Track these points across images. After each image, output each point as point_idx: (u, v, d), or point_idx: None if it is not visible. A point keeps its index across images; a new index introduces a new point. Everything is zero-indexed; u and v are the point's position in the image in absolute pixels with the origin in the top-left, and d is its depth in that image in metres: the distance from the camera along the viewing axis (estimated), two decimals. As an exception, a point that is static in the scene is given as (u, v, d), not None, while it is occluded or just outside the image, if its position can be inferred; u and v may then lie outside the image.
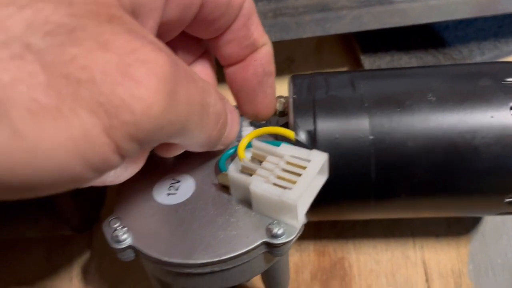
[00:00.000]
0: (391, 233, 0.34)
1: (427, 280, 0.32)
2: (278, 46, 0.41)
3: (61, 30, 0.15)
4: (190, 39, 0.25)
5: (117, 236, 0.24)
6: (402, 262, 0.33)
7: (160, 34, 0.22)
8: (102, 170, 0.16)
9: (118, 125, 0.15)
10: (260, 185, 0.23)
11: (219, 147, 0.25)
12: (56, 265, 0.34)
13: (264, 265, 0.25)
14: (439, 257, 0.33)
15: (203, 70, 0.27)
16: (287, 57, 0.41)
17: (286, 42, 0.40)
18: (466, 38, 0.36)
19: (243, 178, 0.24)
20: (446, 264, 0.33)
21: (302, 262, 0.34)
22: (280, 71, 0.40)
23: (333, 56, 0.41)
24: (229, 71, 0.27)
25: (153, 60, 0.16)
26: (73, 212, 0.33)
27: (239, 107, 0.28)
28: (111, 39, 0.15)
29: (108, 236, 0.24)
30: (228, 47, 0.25)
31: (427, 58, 0.37)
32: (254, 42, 0.26)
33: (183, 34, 0.24)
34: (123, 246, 0.24)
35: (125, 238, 0.24)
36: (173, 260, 0.23)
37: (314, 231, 0.34)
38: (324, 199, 0.25)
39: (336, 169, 0.25)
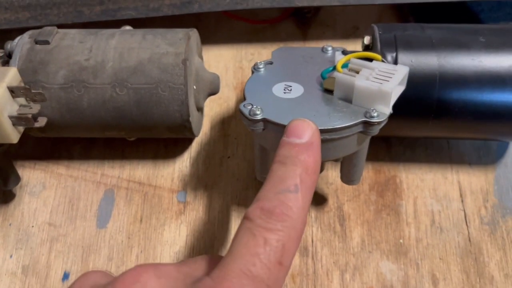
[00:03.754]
0: (433, 159, 0.43)
1: (461, 195, 0.41)
2: (347, 16, 0.51)
3: None
4: None
5: (254, 112, 0.33)
6: (442, 181, 0.42)
7: None
8: None
9: None
10: (363, 81, 0.32)
11: None
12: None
13: (356, 145, 0.34)
14: (471, 179, 0.42)
15: None
16: (353, 26, 0.51)
17: (353, 12, 0.50)
18: (497, 19, 0.46)
19: (348, 77, 0.33)
20: (477, 184, 0.42)
21: (363, 177, 0.42)
22: (347, 36, 0.50)
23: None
24: None
25: None
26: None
27: None
28: None
29: (246, 112, 0.33)
30: None
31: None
32: None
33: None
34: (258, 118, 0.33)
35: (259, 113, 0.33)
36: (299, 126, 0.32)
37: (372, 155, 0.43)
38: (395, 113, 0.34)
39: (408, 87, 0.35)
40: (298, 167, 0.28)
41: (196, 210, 0.42)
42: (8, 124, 0.32)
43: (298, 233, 0.26)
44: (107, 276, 0.27)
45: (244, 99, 0.35)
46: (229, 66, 0.49)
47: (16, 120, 0.32)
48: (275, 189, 0.27)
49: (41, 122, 0.34)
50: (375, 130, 0.33)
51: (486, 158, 0.43)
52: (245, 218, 0.26)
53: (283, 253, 0.25)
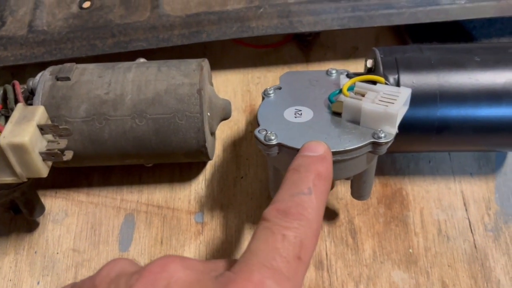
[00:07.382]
0: (437, 171, 0.46)
1: (465, 204, 0.44)
2: (346, 37, 0.53)
3: None
4: None
5: (269, 137, 0.35)
6: (446, 191, 0.44)
7: None
8: None
9: None
10: (370, 104, 0.35)
11: None
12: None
13: (365, 164, 0.36)
14: (473, 188, 0.44)
15: None
16: (352, 46, 0.53)
17: (352, 33, 0.53)
18: (488, 35, 0.49)
19: (355, 101, 0.36)
20: (479, 193, 0.44)
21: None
22: (347, 56, 0.53)
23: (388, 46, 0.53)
24: None
25: None
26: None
27: None
28: None
29: (261, 137, 0.35)
30: None
31: (459, 50, 0.50)
32: None
33: None
34: (273, 143, 0.35)
35: (274, 138, 0.35)
36: (312, 150, 0.34)
37: (378, 169, 0.45)
38: (400, 132, 0.36)
39: (411, 106, 0.37)
40: (311, 173, 0.30)
41: (213, 230, 0.44)
42: (39, 160, 0.34)
43: (314, 232, 0.27)
44: (134, 265, 0.28)
45: (258, 125, 0.37)
46: (237, 90, 0.51)
47: (46, 155, 0.34)
48: (290, 192, 0.28)
49: (68, 155, 0.36)
50: (383, 150, 0.35)
51: (486, 167, 0.46)
52: (262, 219, 0.28)
53: (301, 249, 0.26)
